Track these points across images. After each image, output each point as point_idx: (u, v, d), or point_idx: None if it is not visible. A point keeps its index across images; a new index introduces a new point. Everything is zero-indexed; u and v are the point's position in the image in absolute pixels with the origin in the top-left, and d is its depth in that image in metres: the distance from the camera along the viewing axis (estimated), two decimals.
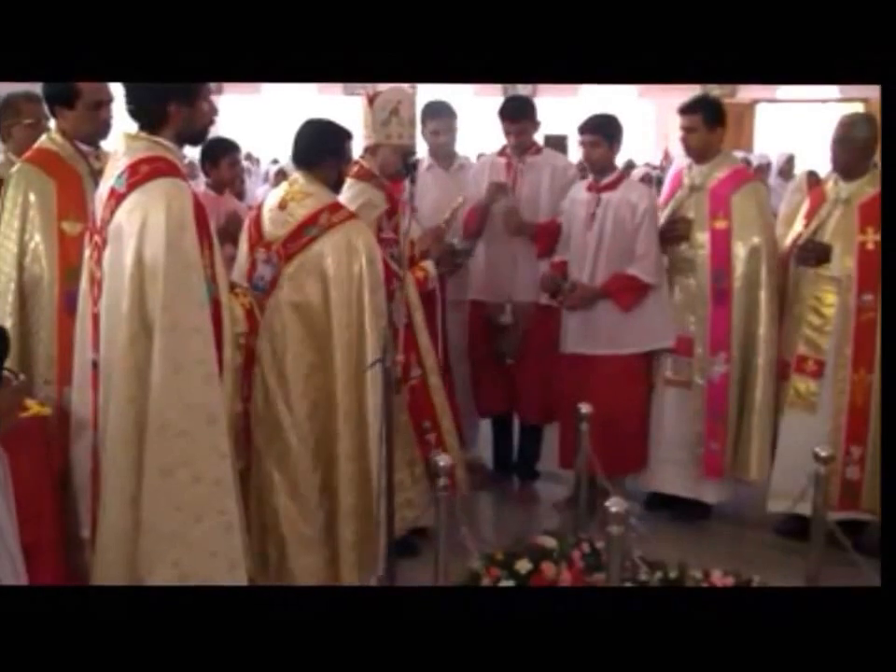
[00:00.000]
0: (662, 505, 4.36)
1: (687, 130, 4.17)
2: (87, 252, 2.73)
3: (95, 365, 2.64)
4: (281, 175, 8.32)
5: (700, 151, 4.17)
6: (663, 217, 4.25)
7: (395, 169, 3.71)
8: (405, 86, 3.80)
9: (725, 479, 4.19)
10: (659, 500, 4.37)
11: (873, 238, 3.81)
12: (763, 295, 4.03)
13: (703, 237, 4.10)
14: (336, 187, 3.41)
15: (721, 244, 4.06)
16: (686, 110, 4.18)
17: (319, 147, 3.34)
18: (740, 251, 4.03)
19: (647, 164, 11.02)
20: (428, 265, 3.77)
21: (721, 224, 4.08)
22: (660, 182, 9.23)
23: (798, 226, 4.11)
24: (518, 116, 4.38)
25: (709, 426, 4.09)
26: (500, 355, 4.41)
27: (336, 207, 3.31)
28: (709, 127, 4.14)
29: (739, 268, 4.03)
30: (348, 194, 3.79)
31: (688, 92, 4.44)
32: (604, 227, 4.16)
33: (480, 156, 5.94)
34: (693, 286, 4.13)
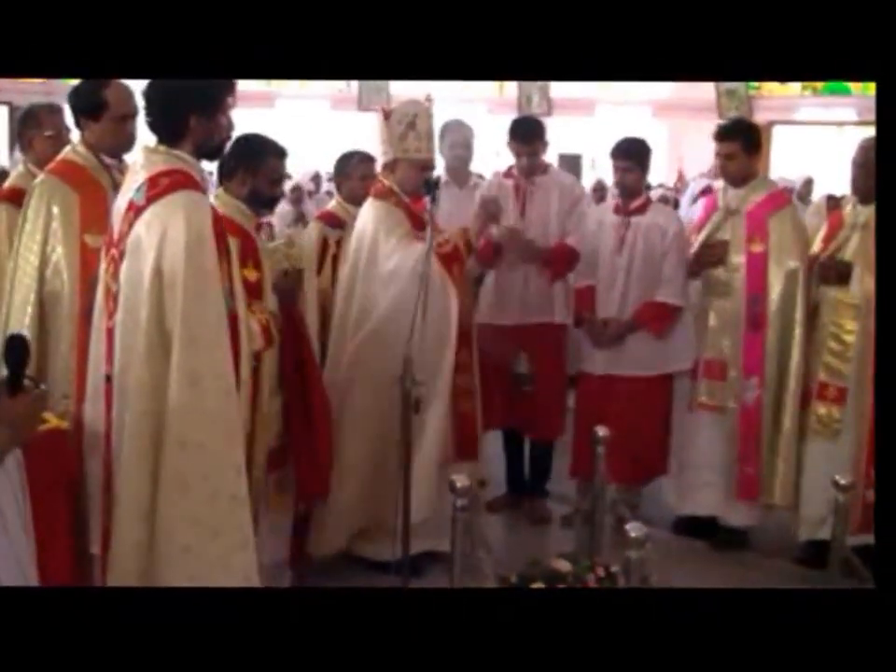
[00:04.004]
0: (694, 532, 4.30)
1: (726, 157, 4.10)
2: (103, 265, 2.72)
3: (109, 379, 2.63)
4: (297, 191, 8.33)
5: (739, 177, 4.11)
6: (698, 240, 4.22)
7: (415, 184, 3.67)
8: (421, 99, 3.79)
9: (755, 503, 4.12)
10: (693, 527, 4.31)
11: None
12: (797, 319, 3.95)
13: (739, 260, 4.06)
14: (254, 202, 3.22)
15: (758, 267, 4.01)
16: (724, 136, 4.11)
17: (230, 160, 3.18)
18: (776, 275, 3.97)
19: (661, 185, 11.02)
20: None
21: (757, 247, 4.03)
22: (676, 204, 9.25)
23: (815, 249, 4.07)
24: (530, 138, 4.35)
25: (743, 449, 4.04)
26: (517, 382, 4.34)
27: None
28: (748, 153, 4.10)
29: (775, 292, 3.97)
30: (369, 213, 3.74)
31: (699, 114, 4.42)
32: (634, 251, 4.18)
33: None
34: (729, 309, 4.09)
